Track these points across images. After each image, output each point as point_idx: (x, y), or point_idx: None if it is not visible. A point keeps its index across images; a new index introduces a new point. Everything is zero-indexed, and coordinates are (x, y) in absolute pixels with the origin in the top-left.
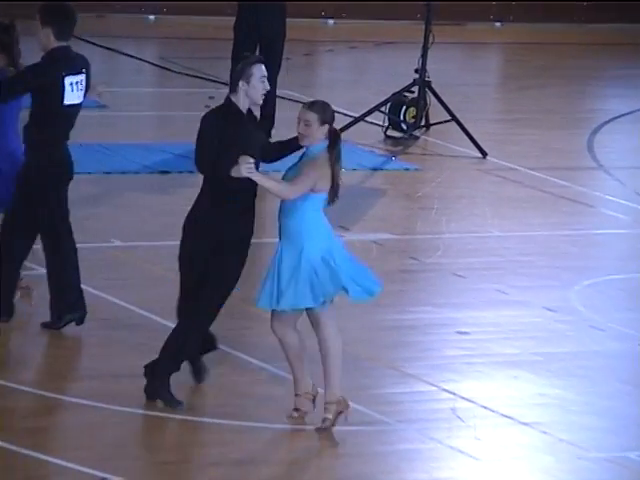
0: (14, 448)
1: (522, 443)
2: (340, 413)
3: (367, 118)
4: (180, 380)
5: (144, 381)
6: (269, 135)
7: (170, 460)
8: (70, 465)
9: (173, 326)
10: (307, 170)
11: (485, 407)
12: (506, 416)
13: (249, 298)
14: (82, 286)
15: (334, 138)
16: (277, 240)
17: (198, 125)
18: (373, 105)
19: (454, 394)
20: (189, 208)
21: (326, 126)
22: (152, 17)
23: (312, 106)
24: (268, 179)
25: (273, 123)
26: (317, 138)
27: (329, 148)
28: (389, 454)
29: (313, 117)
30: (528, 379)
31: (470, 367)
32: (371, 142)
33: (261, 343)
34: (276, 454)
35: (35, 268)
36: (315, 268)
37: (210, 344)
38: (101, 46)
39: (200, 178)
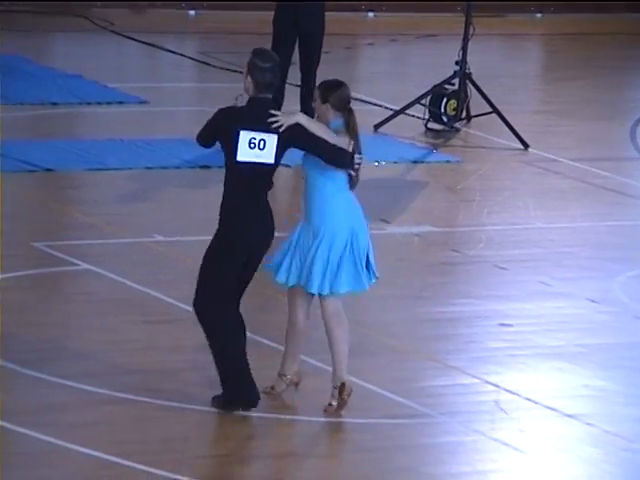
0: (62, 443)
1: (566, 435)
2: (344, 398)
3: (408, 111)
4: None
5: (187, 376)
6: None
7: (216, 453)
8: (118, 460)
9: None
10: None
11: (529, 399)
12: (550, 408)
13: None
14: (124, 280)
15: (348, 118)
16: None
17: None
18: (414, 98)
19: (497, 386)
20: None
21: (328, 105)
22: (192, 12)
23: (322, 83)
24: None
25: (313, 117)
26: (324, 116)
27: (345, 127)
28: (432, 447)
29: (317, 93)
30: (572, 371)
31: (513, 359)
32: (412, 135)
33: None
34: (318, 447)
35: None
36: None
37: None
38: (141, 42)
39: None
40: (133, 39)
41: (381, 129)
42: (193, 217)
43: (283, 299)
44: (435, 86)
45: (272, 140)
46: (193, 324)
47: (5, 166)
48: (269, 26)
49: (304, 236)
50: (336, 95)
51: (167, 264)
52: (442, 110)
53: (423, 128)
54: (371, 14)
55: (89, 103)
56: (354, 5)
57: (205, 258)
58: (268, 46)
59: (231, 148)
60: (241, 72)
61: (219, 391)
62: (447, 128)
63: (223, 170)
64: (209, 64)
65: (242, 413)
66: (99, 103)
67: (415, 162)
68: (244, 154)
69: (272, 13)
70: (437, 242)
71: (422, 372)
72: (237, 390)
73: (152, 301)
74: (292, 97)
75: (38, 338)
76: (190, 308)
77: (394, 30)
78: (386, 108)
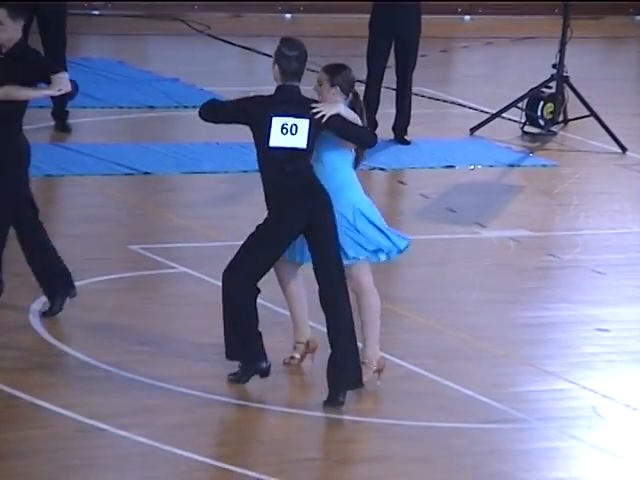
0: (158, 445)
1: None
2: (379, 372)
3: (504, 114)
4: (321, 380)
5: (284, 380)
6: (404, 132)
7: (311, 457)
8: (213, 462)
9: (315, 326)
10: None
11: (627, 405)
12: None
13: (383, 295)
14: (219, 283)
15: (354, 99)
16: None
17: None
18: (510, 101)
19: (594, 392)
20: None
21: (337, 88)
22: (289, 16)
23: (326, 67)
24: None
25: (409, 120)
26: (330, 99)
27: (352, 108)
28: (528, 452)
29: (324, 77)
30: None
31: (610, 364)
32: (508, 138)
33: (399, 340)
34: (413, 451)
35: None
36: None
37: None
38: (238, 45)
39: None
40: (229, 42)
41: (477, 132)
42: None
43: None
44: (532, 89)
45: (304, 125)
46: (287, 328)
47: (103, 169)
48: (365, 29)
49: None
50: (343, 77)
51: None
52: (539, 113)
53: (519, 131)
54: (467, 17)
55: (186, 107)
56: (450, 8)
57: (251, 236)
58: (364, 49)
59: (264, 134)
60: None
61: (319, 395)
62: (544, 132)
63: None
64: (306, 68)
65: (337, 416)
66: (195, 107)
67: (511, 166)
68: (277, 139)
69: (368, 16)
70: (533, 246)
71: (518, 377)
72: (249, 360)
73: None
74: (388, 100)
75: (134, 340)
76: (286, 312)
77: (490, 33)
78: (482, 111)
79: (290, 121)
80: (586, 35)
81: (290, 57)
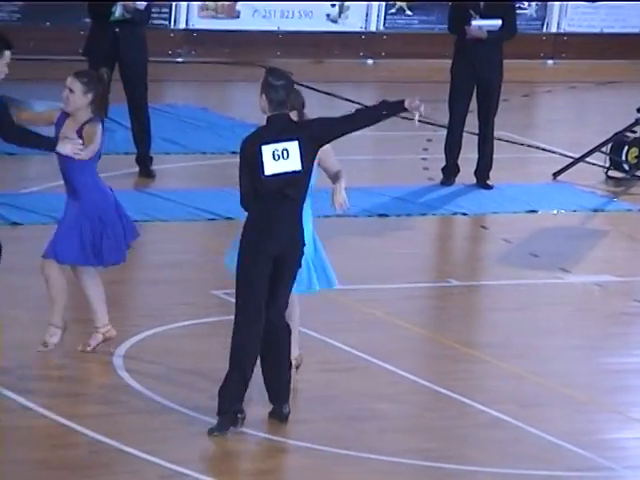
0: None
1: None
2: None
3: (588, 159)
4: (399, 426)
5: (366, 425)
6: (487, 177)
7: None
8: None
9: (394, 370)
10: None
11: None
12: None
13: (466, 341)
14: (301, 328)
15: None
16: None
17: (417, 169)
18: (593, 145)
19: None
20: (407, 251)
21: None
22: (370, 61)
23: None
24: None
25: (491, 165)
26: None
27: None
28: None
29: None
30: None
31: None
32: (592, 183)
33: (482, 386)
34: None
35: None
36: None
37: None
38: (320, 91)
39: (417, 221)
40: (312, 88)
41: (560, 177)
42: (370, 265)
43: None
44: (616, 133)
45: (294, 147)
46: (373, 373)
47: (185, 215)
48: (446, 74)
49: None
50: (292, 101)
51: (345, 312)
52: (623, 158)
53: (603, 176)
54: (550, 61)
55: None
56: (533, 52)
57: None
58: (447, 94)
59: (258, 166)
60: (419, 121)
61: (402, 441)
62: (628, 176)
63: (402, 219)
64: None
65: (421, 463)
66: None
67: (595, 211)
68: (270, 167)
69: (449, 61)
70: (618, 292)
71: (604, 424)
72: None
73: (330, 349)
74: (470, 145)
75: (216, 385)
76: (367, 356)
77: (573, 77)
78: (565, 156)
79: (280, 146)
80: None
81: (277, 86)
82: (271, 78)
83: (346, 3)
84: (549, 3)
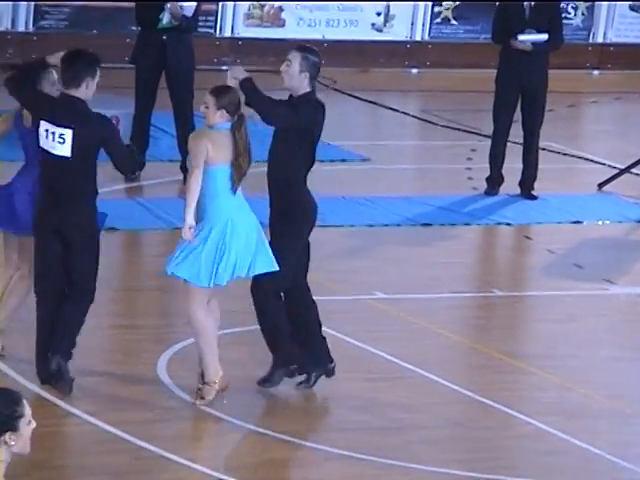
0: None
1: None
2: (222, 391)
3: (633, 170)
4: (439, 436)
5: (410, 435)
6: (531, 187)
7: None
8: None
9: (437, 379)
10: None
11: None
12: None
13: (510, 352)
14: (345, 337)
15: (239, 121)
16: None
17: (461, 178)
18: (639, 157)
19: None
20: (451, 261)
21: (223, 111)
22: (415, 70)
23: (213, 89)
24: None
25: (536, 175)
26: (215, 122)
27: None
28: None
29: (210, 100)
30: None
31: None
32: (637, 194)
33: (527, 397)
34: None
35: None
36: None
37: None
38: (365, 100)
39: (461, 231)
40: (356, 97)
41: (605, 188)
42: (414, 275)
43: None
44: None
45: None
46: (416, 383)
47: None
48: (490, 84)
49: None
50: (229, 100)
51: (388, 321)
52: None
53: None
54: (596, 72)
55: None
56: (578, 62)
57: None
58: (491, 104)
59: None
60: (463, 130)
61: (446, 451)
62: None
63: (446, 228)
64: (431, 122)
65: (466, 474)
66: (322, 161)
67: None
68: None
69: (494, 71)
70: None
71: None
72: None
73: (374, 358)
74: (514, 155)
75: (260, 393)
76: (411, 366)
77: (619, 88)
78: (610, 167)
79: None
80: None
81: (317, 63)
82: (312, 56)
83: (391, 12)
84: (595, 14)
